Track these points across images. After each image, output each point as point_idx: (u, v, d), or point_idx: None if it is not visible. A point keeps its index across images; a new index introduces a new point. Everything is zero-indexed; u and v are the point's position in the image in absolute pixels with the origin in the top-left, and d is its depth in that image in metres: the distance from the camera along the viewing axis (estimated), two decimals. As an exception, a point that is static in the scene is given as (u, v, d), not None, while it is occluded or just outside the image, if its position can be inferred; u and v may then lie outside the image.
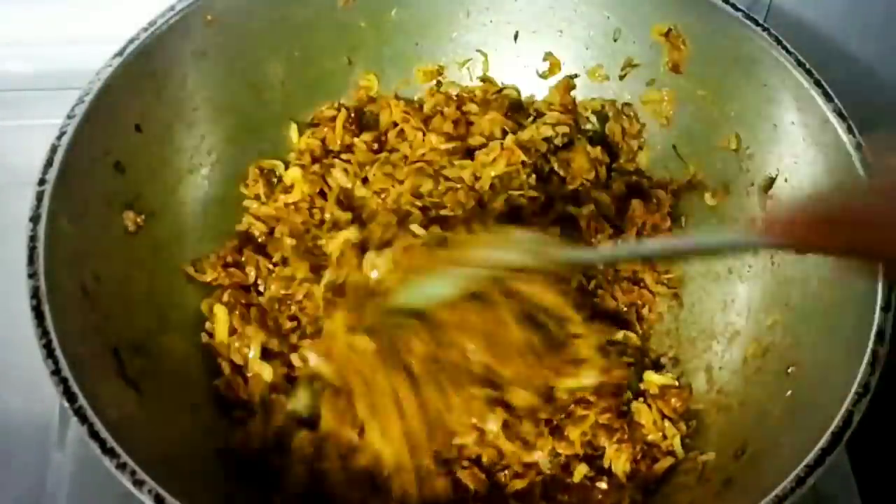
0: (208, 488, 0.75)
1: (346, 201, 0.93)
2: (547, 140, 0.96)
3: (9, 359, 0.90)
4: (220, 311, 0.86)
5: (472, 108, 0.99)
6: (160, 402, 0.77)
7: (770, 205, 0.78)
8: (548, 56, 1.02)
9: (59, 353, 0.66)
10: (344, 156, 0.96)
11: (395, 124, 0.99)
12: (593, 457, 0.83)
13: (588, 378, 0.77)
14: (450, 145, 0.95)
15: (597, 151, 0.97)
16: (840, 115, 0.80)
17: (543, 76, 1.02)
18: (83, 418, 0.64)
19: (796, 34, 0.87)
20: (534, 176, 0.93)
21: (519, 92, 1.03)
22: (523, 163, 0.93)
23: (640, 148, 1.00)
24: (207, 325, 0.86)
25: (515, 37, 1.01)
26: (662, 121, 0.98)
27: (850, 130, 0.79)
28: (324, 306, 0.83)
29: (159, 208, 0.86)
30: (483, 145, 0.96)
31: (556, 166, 0.95)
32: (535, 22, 1.00)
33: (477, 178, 0.93)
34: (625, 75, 0.99)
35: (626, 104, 1.00)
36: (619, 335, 0.89)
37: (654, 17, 0.94)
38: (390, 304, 0.74)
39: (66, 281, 0.72)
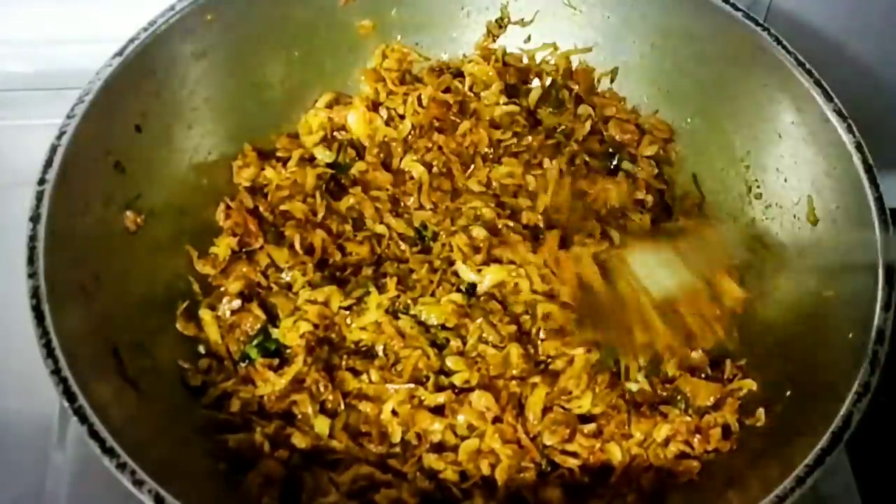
0: (208, 488, 0.75)
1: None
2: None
3: (9, 359, 0.90)
4: (206, 315, 0.86)
5: None
6: (160, 402, 0.77)
7: None
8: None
9: (59, 352, 0.66)
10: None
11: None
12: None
13: None
14: None
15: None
16: (840, 114, 0.80)
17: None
18: (83, 418, 0.65)
19: (796, 34, 0.87)
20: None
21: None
22: None
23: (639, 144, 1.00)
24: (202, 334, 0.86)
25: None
26: (662, 126, 0.99)
27: (850, 130, 0.79)
28: None
29: (159, 208, 0.86)
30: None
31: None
32: (535, 24, 1.00)
33: None
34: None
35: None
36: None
37: (654, 17, 0.94)
38: None
39: (65, 281, 0.72)
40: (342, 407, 0.82)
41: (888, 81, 1.13)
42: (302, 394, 0.81)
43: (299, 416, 0.81)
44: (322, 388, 0.82)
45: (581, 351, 0.84)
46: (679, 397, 0.85)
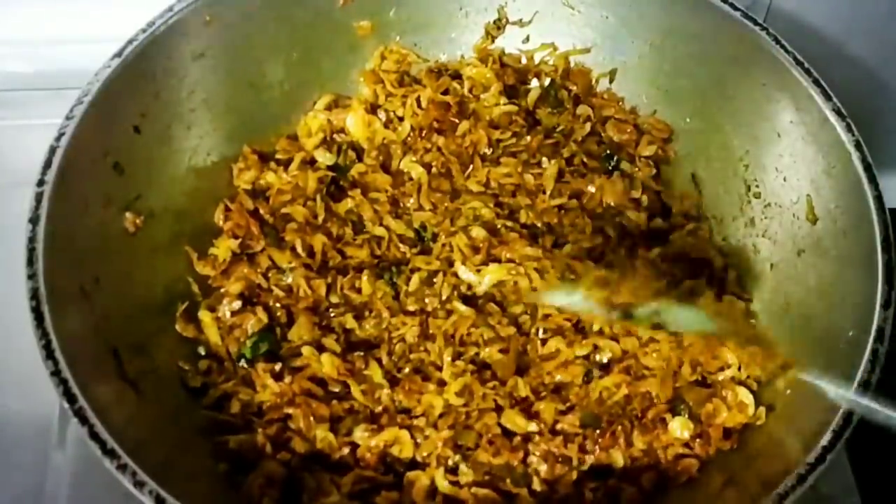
0: (209, 489, 0.75)
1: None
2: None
3: (9, 359, 0.90)
4: (206, 316, 0.86)
5: None
6: (160, 403, 0.77)
7: None
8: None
9: (58, 353, 0.67)
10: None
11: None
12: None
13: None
14: None
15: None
16: (839, 113, 0.80)
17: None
18: (83, 419, 0.65)
19: (796, 34, 0.87)
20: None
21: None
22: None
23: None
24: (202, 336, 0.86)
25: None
26: (661, 125, 0.99)
27: (849, 129, 0.79)
28: None
29: (159, 209, 0.86)
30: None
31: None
32: (533, 24, 1.00)
33: None
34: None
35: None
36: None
37: (652, 17, 0.94)
38: None
39: (65, 282, 0.72)
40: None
41: (888, 81, 1.13)
42: (297, 409, 0.81)
43: (296, 428, 0.81)
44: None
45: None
46: (682, 406, 0.84)
